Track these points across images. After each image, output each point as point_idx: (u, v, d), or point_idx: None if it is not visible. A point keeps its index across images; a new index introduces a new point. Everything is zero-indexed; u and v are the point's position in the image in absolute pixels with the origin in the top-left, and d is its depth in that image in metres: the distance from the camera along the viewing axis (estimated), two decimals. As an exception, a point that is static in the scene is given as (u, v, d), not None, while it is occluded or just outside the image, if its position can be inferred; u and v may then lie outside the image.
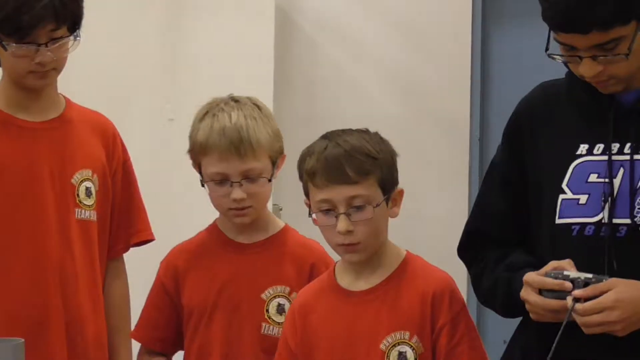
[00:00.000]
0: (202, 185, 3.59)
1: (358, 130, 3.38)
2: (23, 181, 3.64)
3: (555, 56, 3.01)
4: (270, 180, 3.58)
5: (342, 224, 3.14)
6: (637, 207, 3.00)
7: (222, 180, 3.54)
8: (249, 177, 3.54)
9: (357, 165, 3.18)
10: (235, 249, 3.70)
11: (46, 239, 3.59)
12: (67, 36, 3.48)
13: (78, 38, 3.52)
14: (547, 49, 3.03)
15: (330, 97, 7.53)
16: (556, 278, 2.90)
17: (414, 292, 3.31)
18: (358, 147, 3.25)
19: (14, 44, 3.43)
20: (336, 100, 7.38)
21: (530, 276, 2.91)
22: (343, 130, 3.32)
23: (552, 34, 3.00)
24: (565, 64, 3.05)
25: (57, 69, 3.52)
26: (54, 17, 3.46)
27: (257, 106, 3.63)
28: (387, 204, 3.20)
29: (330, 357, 3.33)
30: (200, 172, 3.61)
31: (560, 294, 2.86)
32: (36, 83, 3.53)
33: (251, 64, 7.10)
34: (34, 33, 3.42)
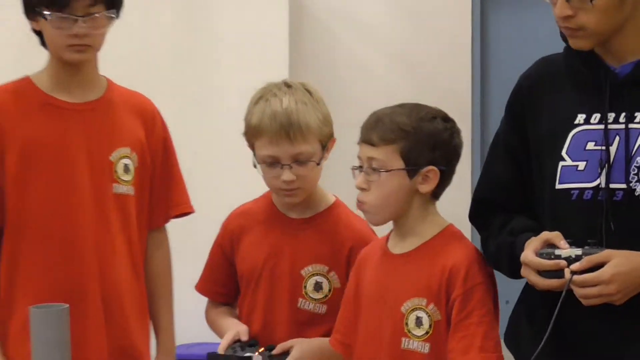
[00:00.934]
0: (254, 166, 3.63)
1: (402, 105, 3.48)
2: (58, 159, 3.67)
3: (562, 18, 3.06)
4: (319, 164, 3.58)
5: (359, 180, 3.40)
6: (633, 172, 3.07)
7: (273, 162, 3.55)
8: (298, 160, 3.54)
9: (381, 132, 3.28)
10: (283, 223, 3.72)
11: (80, 212, 3.64)
12: (102, 12, 3.52)
13: (113, 16, 3.58)
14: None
15: (342, 79, 7.75)
16: (549, 258, 3.01)
17: (437, 263, 3.34)
18: (389, 114, 3.37)
19: (54, 13, 3.49)
20: (347, 82, 7.66)
21: (527, 257, 3.01)
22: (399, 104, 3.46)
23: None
24: (563, 37, 3.17)
25: (94, 46, 3.57)
26: None
27: (309, 91, 3.59)
28: (410, 176, 3.27)
29: (367, 308, 3.42)
30: (254, 153, 3.63)
31: (558, 272, 2.98)
32: (74, 56, 3.56)
33: (267, 50, 7.31)
34: (71, 5, 3.47)
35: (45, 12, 3.50)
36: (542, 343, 3.00)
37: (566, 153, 3.14)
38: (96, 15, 3.54)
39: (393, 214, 3.32)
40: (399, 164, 3.24)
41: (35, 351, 3.08)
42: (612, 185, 3.06)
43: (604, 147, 3.09)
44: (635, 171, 3.10)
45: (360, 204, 3.30)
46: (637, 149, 3.12)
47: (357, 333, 3.49)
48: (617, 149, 3.11)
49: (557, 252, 2.95)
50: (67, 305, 2.99)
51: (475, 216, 3.37)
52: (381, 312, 3.38)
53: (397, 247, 3.35)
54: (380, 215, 3.31)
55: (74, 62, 3.62)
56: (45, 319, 3.18)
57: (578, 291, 2.91)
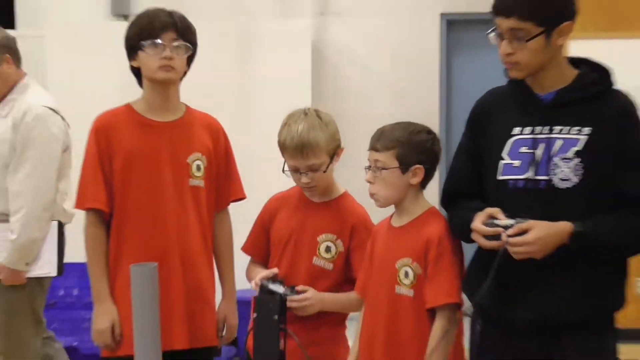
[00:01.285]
0: (283, 171, 3.85)
1: (398, 123, 3.69)
2: (150, 162, 3.89)
3: (491, 36, 3.28)
4: (326, 171, 3.78)
5: (368, 176, 3.61)
6: (551, 168, 3.21)
7: (295, 170, 3.78)
8: (311, 169, 3.74)
9: (383, 142, 3.55)
10: (308, 206, 3.95)
11: (165, 200, 3.90)
12: (180, 44, 3.82)
13: (190, 47, 3.89)
14: (489, 34, 3.29)
15: (350, 103, 8.63)
16: (491, 226, 3.14)
17: (420, 234, 3.52)
18: (389, 129, 3.61)
19: (149, 42, 3.75)
20: (353, 105, 8.57)
21: (476, 226, 3.18)
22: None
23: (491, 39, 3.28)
24: (505, 73, 3.33)
25: (177, 68, 3.79)
26: (174, 26, 3.83)
27: (319, 117, 3.81)
28: (402, 172, 3.49)
29: (377, 263, 3.62)
30: (285, 162, 3.85)
31: (498, 236, 3.13)
32: (163, 75, 3.77)
33: (295, 85, 7.80)
34: (161, 36, 3.75)
35: (143, 43, 3.76)
36: (487, 284, 3.23)
37: (506, 154, 3.31)
38: (178, 45, 3.81)
39: (393, 199, 3.55)
40: (395, 164, 3.45)
41: (134, 295, 3.15)
42: (537, 177, 3.23)
43: (532, 150, 3.27)
44: (553, 167, 3.22)
45: (371, 194, 3.55)
46: (555, 152, 3.23)
47: (371, 282, 3.66)
48: (542, 152, 3.24)
49: (496, 222, 3.11)
50: (156, 264, 3.09)
51: (445, 201, 3.60)
52: (384, 268, 3.56)
53: (397, 222, 3.60)
54: (384, 200, 3.54)
55: (163, 81, 3.83)
56: (141, 273, 3.20)
57: (511, 249, 3.08)
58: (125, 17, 8.22)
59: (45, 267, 5.09)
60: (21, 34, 7.88)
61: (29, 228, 4.87)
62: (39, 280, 5.07)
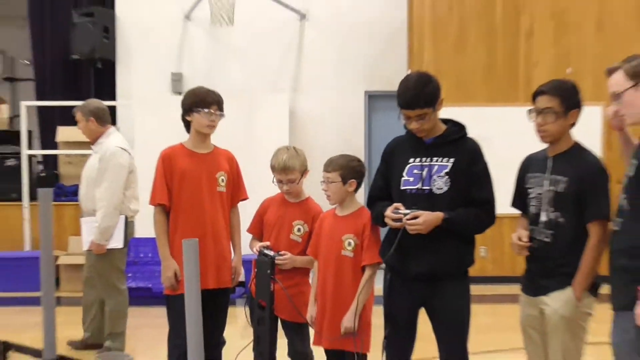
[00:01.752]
0: (273, 182, 4.04)
1: (342, 155, 3.79)
2: (193, 177, 4.17)
3: (403, 120, 3.43)
4: (298, 183, 4.02)
5: (324, 187, 3.71)
6: (432, 182, 3.38)
7: (279, 182, 4.04)
8: (290, 181, 4.01)
9: (332, 167, 3.66)
10: (287, 204, 4.16)
11: (202, 200, 4.17)
12: (220, 113, 4.14)
13: (224, 116, 4.20)
14: (399, 118, 3.45)
15: (312, 144, 7.99)
16: (396, 214, 3.37)
17: (359, 220, 3.67)
18: (336, 159, 3.71)
19: (204, 110, 4.09)
20: (314, 146, 7.80)
21: (387, 214, 3.38)
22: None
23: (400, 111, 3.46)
24: (405, 125, 3.50)
25: (215, 127, 4.16)
26: (218, 103, 4.12)
27: (296, 151, 4.12)
28: (343, 184, 3.62)
29: (325, 240, 3.77)
30: (273, 177, 4.03)
31: (399, 220, 3.32)
32: (209, 131, 4.20)
33: (279, 135, 8.06)
34: (211, 107, 4.08)
35: (198, 109, 4.07)
36: (392, 250, 3.41)
37: (405, 174, 3.51)
38: (219, 114, 4.16)
39: (338, 200, 3.79)
40: (339, 179, 3.69)
41: (185, 257, 3.12)
42: (423, 187, 3.44)
43: (420, 172, 3.44)
44: (433, 182, 3.39)
45: (327, 197, 3.71)
46: (434, 173, 3.40)
47: (320, 248, 3.83)
48: (426, 172, 3.42)
49: (399, 211, 3.38)
50: (197, 240, 3.28)
51: (368, 202, 3.74)
52: (332, 240, 3.77)
53: (340, 213, 3.81)
54: (333, 202, 3.79)
55: (207, 133, 4.23)
56: (188, 245, 3.35)
57: (408, 228, 3.34)
58: (180, 93, 8.97)
59: (115, 242, 5.55)
60: (119, 103, 9.35)
61: (106, 219, 5.42)
62: (113, 250, 5.56)
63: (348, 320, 3.60)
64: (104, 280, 5.68)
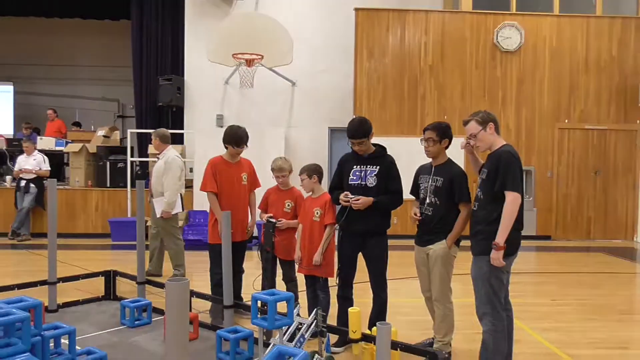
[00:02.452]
0: (272, 178, 4.09)
1: (310, 164, 3.84)
2: (228, 176, 4.16)
3: (350, 145, 3.49)
4: (288, 177, 4.03)
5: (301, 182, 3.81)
6: (367, 179, 3.45)
7: (276, 177, 4.07)
8: (283, 177, 4.04)
9: (305, 171, 3.77)
10: (280, 190, 4.12)
11: (234, 189, 4.16)
12: (245, 148, 4.17)
13: (247, 147, 4.18)
14: (348, 143, 3.49)
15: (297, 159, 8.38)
16: (346, 197, 3.43)
17: (323, 199, 3.68)
18: (308, 166, 3.80)
19: (238, 147, 4.14)
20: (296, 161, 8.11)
21: (340, 197, 3.43)
22: None
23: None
24: (351, 147, 3.54)
25: (240, 154, 4.26)
26: (247, 141, 4.15)
27: (286, 159, 4.18)
28: (310, 179, 3.74)
29: (305, 210, 3.78)
30: (273, 174, 4.07)
31: (348, 201, 3.40)
32: (237, 153, 4.15)
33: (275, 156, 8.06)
34: (241, 146, 4.15)
35: (234, 144, 4.06)
36: (344, 218, 3.47)
37: (351, 174, 3.54)
38: (245, 148, 4.19)
39: (309, 190, 3.85)
40: (307, 177, 3.77)
41: (222, 223, 3.52)
42: (362, 182, 3.49)
43: (360, 173, 3.51)
44: (367, 179, 3.45)
45: (303, 187, 3.85)
46: (368, 174, 3.46)
47: (302, 217, 3.85)
48: (363, 174, 3.48)
49: (348, 196, 3.43)
50: (230, 212, 3.56)
51: (330, 190, 3.70)
52: (308, 212, 3.79)
53: (313, 196, 3.79)
54: (307, 190, 3.87)
55: (236, 155, 4.16)
56: (225, 215, 3.57)
57: (353, 206, 3.40)
58: (221, 126, 8.90)
59: (177, 209, 5.52)
60: (186, 131, 9.24)
61: (172, 197, 5.37)
62: (176, 214, 5.56)
63: (317, 256, 3.62)
64: (170, 233, 5.60)
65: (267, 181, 4.41)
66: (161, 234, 5.70)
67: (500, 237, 2.81)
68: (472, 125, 2.98)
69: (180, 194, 5.69)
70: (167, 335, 1.41)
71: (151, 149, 8.93)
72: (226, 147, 4.20)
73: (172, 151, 5.69)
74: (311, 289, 3.80)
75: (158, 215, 5.56)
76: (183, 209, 6.03)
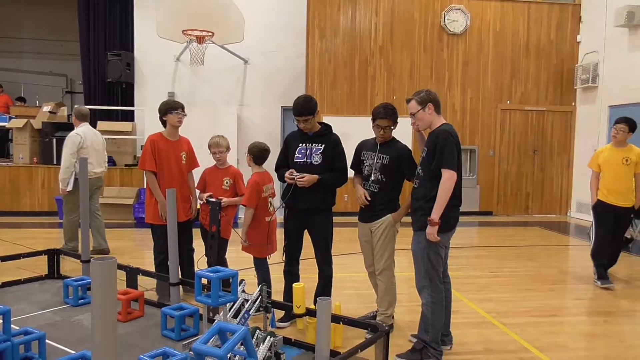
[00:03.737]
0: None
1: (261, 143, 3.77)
2: (167, 154, 3.93)
3: (296, 122, 3.42)
4: (224, 153, 3.93)
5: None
6: (312, 157, 3.38)
7: (213, 153, 3.91)
8: (220, 152, 3.90)
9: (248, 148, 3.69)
10: (218, 170, 3.95)
11: (171, 169, 3.91)
12: (184, 113, 3.94)
13: (185, 115, 3.95)
14: (294, 121, 3.42)
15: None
16: (291, 175, 3.37)
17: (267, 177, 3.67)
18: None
19: (174, 112, 3.92)
20: (251, 139, 7.91)
21: (286, 175, 3.35)
22: None
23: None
24: (297, 125, 3.46)
25: (182, 122, 3.96)
26: (182, 107, 3.92)
27: (223, 137, 3.99)
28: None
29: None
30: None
31: (293, 179, 3.34)
32: (178, 125, 3.96)
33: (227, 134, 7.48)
34: (179, 110, 3.91)
35: (171, 111, 3.87)
36: (288, 195, 3.42)
37: (297, 152, 3.47)
38: (183, 113, 3.97)
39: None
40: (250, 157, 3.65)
41: (168, 200, 3.28)
42: (307, 160, 3.42)
43: (306, 151, 3.44)
44: (312, 157, 3.39)
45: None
46: (313, 152, 3.40)
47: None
48: (309, 152, 3.41)
49: (294, 174, 3.36)
50: (175, 189, 3.36)
51: (276, 168, 3.57)
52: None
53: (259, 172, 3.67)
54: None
55: (176, 127, 3.95)
56: (170, 193, 3.38)
57: (298, 183, 3.33)
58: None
59: (70, 187, 5.32)
60: (136, 109, 9.01)
61: (62, 172, 5.24)
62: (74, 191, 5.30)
63: (242, 236, 3.62)
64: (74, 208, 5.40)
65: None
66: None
67: (435, 214, 2.84)
68: (412, 104, 2.99)
69: (75, 173, 5.36)
70: (92, 318, 1.33)
71: (100, 125, 8.70)
72: (164, 122, 3.99)
73: (82, 128, 5.49)
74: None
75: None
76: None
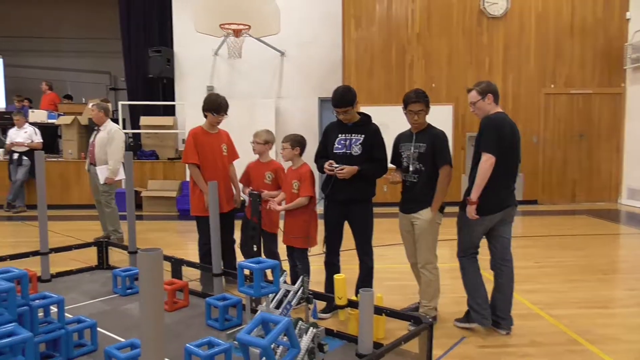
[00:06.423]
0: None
1: (295, 134, 3.71)
2: (210, 147, 3.99)
3: (335, 113, 3.40)
4: (262, 145, 3.89)
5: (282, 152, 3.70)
6: (352, 148, 3.37)
7: (253, 144, 3.91)
8: (257, 143, 3.87)
9: (289, 140, 3.63)
10: (260, 164, 3.95)
11: (216, 160, 3.99)
12: (225, 116, 4.01)
13: (227, 116, 4.02)
14: (333, 112, 3.41)
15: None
16: (331, 166, 3.37)
17: (299, 171, 3.58)
18: (291, 135, 3.68)
19: (216, 114, 3.98)
20: (289, 130, 7.93)
21: (325, 166, 3.34)
22: None
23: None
24: (336, 116, 3.46)
25: (219, 123, 4.07)
26: (227, 110, 3.97)
27: (268, 131, 3.97)
28: (294, 150, 3.60)
29: (287, 181, 3.66)
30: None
31: (332, 171, 3.33)
32: (215, 124, 4.03)
33: (266, 127, 7.83)
34: (221, 113, 3.96)
35: (214, 112, 3.93)
36: (330, 187, 3.42)
37: (336, 143, 3.45)
38: (225, 116, 4.02)
39: (288, 159, 3.67)
40: (291, 147, 3.59)
41: (210, 193, 3.38)
42: (347, 151, 3.42)
43: (345, 142, 3.43)
44: (352, 147, 3.37)
45: (282, 157, 3.67)
46: (353, 142, 3.38)
47: (285, 188, 3.72)
48: (348, 143, 3.40)
49: (333, 165, 3.35)
50: (217, 182, 3.47)
51: (315, 159, 3.58)
52: (289, 183, 3.66)
53: (293, 167, 3.67)
54: (285, 160, 3.67)
55: (216, 124, 4.01)
56: (212, 185, 3.45)
57: (338, 175, 3.33)
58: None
59: (121, 176, 5.54)
60: (177, 103, 9.11)
61: (114, 164, 5.53)
62: (120, 181, 5.71)
63: (273, 204, 3.65)
64: (110, 199, 5.64)
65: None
66: (101, 198, 5.71)
67: (474, 194, 3.06)
68: (472, 94, 3.16)
69: (123, 163, 5.64)
70: (140, 307, 1.36)
71: (143, 120, 9.00)
72: (205, 115, 4.03)
73: (112, 124, 5.81)
74: (291, 257, 3.73)
75: (102, 182, 5.62)
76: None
